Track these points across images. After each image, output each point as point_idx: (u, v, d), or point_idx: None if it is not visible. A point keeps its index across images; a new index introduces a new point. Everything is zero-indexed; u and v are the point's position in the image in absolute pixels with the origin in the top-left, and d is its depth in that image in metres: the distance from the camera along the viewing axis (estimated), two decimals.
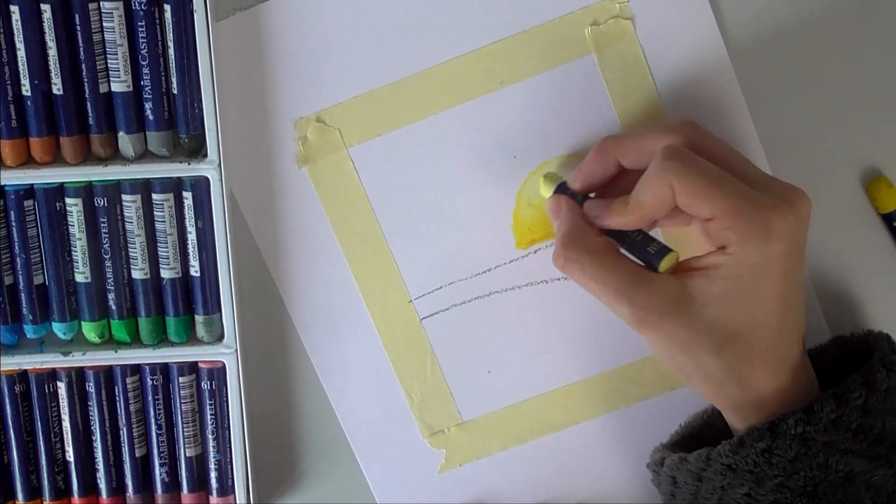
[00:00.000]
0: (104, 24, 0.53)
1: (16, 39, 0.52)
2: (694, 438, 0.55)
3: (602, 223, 0.51)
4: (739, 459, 0.48)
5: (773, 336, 0.48)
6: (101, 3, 0.52)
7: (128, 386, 0.56)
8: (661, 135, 0.50)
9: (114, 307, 0.56)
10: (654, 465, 0.53)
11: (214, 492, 0.57)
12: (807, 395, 0.49)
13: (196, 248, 0.55)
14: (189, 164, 0.54)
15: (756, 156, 0.55)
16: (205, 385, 0.56)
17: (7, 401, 0.56)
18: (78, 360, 0.56)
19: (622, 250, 0.51)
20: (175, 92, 0.54)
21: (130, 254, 0.55)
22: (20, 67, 0.53)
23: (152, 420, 0.57)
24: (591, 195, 0.53)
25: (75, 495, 0.57)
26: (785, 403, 0.49)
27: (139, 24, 0.53)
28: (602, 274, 0.49)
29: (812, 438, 0.47)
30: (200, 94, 0.53)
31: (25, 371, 0.56)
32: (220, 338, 0.56)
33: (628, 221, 0.50)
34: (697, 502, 0.50)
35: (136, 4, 0.52)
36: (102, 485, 0.57)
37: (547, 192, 0.53)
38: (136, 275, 0.55)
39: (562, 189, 0.53)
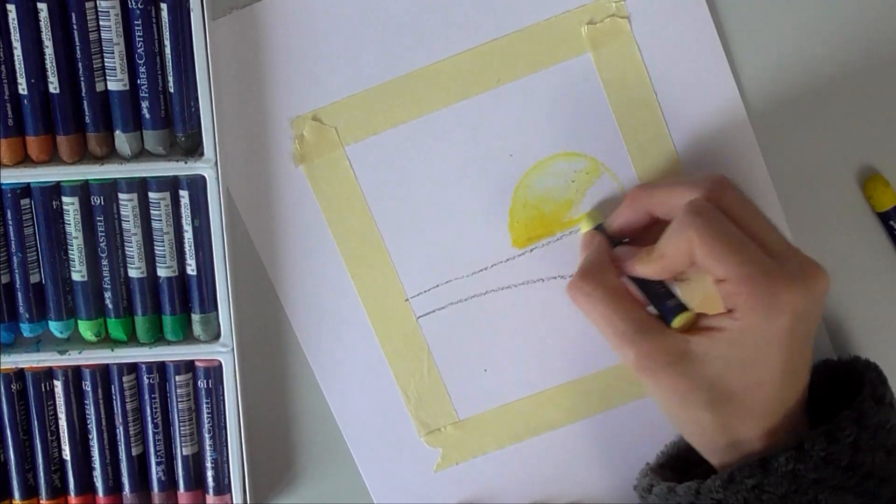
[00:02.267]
0: (101, 22, 0.53)
1: (12, 38, 0.52)
2: (681, 459, 0.54)
3: (627, 270, 0.52)
4: (730, 495, 0.48)
5: (769, 400, 0.49)
6: (97, 1, 0.52)
7: (124, 384, 0.56)
8: (689, 188, 0.50)
9: (110, 306, 0.56)
10: (641, 490, 0.53)
11: (211, 490, 0.57)
12: (795, 438, 0.49)
13: (192, 247, 0.55)
14: (185, 162, 0.54)
15: (753, 154, 0.55)
16: (201, 384, 0.56)
17: (3, 399, 0.56)
18: (74, 358, 0.56)
19: (641, 297, 0.51)
20: (171, 90, 0.54)
21: (127, 252, 0.55)
22: (17, 66, 0.53)
23: (149, 419, 0.57)
24: (626, 241, 0.53)
25: (72, 494, 0.57)
26: (772, 449, 0.49)
27: (136, 22, 0.53)
28: (611, 313, 0.50)
29: (802, 476, 0.47)
30: (197, 92, 0.53)
31: (22, 370, 0.56)
32: (217, 336, 0.56)
33: (650, 271, 0.50)
34: None
35: (133, 3, 0.52)
36: (99, 483, 0.57)
37: (586, 227, 0.55)
38: (133, 273, 0.55)
39: (600, 229, 0.54)
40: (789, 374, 0.48)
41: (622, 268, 0.52)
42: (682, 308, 0.50)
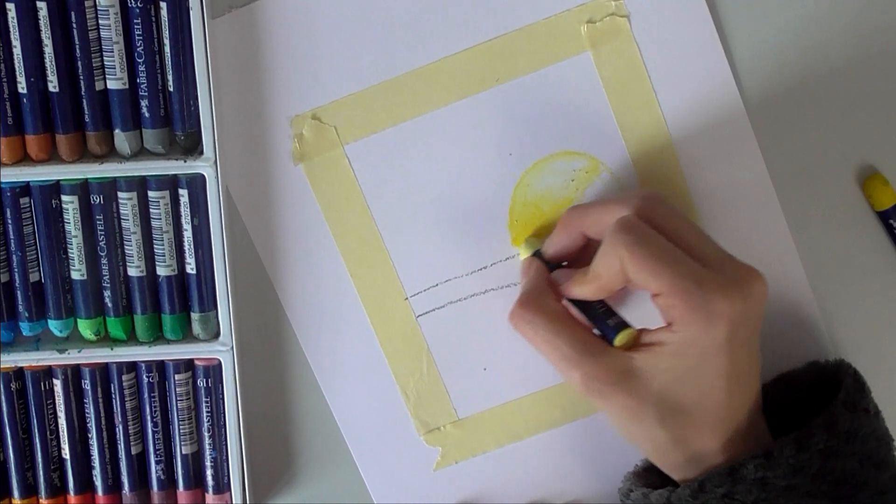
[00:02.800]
0: (100, 21, 0.53)
1: (12, 37, 0.52)
2: None
3: (564, 292, 0.52)
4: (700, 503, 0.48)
5: (719, 409, 0.48)
6: (96, 0, 0.52)
7: (124, 383, 0.56)
8: (619, 206, 0.50)
9: (110, 304, 0.56)
10: (622, 494, 0.53)
11: (210, 489, 0.57)
12: (759, 447, 0.49)
13: (192, 246, 0.55)
14: (185, 161, 0.54)
15: (752, 152, 0.56)
16: (201, 382, 0.56)
17: (3, 398, 0.56)
18: (74, 357, 0.56)
19: (583, 319, 0.52)
20: (171, 89, 0.54)
21: (126, 251, 0.55)
22: (16, 65, 0.53)
23: (148, 417, 0.57)
24: (565, 264, 0.53)
25: (71, 493, 0.57)
26: (738, 458, 0.49)
27: (135, 21, 0.53)
28: (553, 338, 0.50)
29: (772, 483, 0.47)
30: (196, 91, 0.53)
31: (21, 368, 0.56)
32: (216, 335, 0.56)
33: (587, 292, 0.51)
34: None
35: (132, 2, 0.52)
36: (98, 482, 0.57)
37: (524, 254, 0.55)
38: (132, 272, 0.55)
39: (538, 255, 0.54)
40: (735, 381, 0.48)
41: (561, 291, 0.52)
42: (623, 326, 0.50)
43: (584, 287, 0.50)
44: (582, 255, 0.53)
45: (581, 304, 0.52)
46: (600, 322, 0.51)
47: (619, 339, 0.50)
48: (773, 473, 0.47)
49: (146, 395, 0.57)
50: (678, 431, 0.49)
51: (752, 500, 0.47)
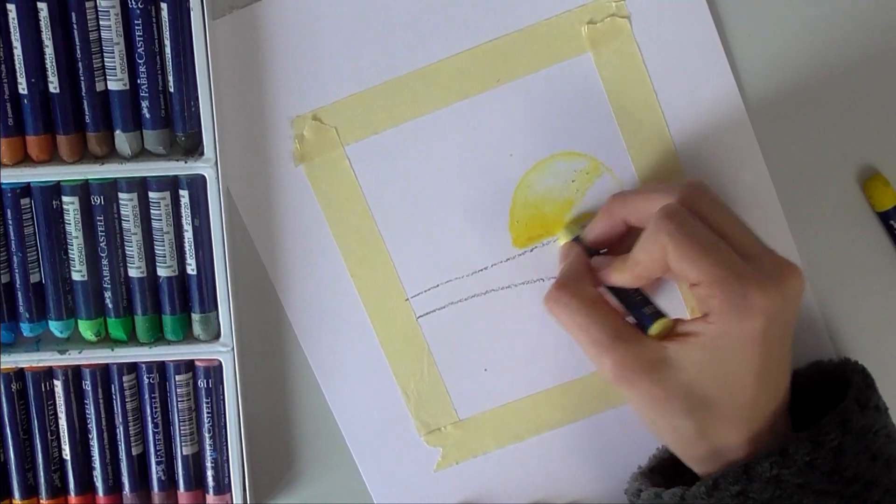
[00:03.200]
0: (101, 22, 0.53)
1: (12, 38, 0.52)
2: (671, 464, 0.54)
3: (603, 278, 0.52)
4: (714, 501, 0.48)
5: (747, 405, 0.48)
6: (97, 1, 0.52)
7: (124, 384, 0.56)
8: (663, 195, 0.50)
9: (110, 305, 0.56)
10: (631, 494, 0.53)
11: (211, 490, 0.57)
12: (779, 442, 0.49)
13: (193, 247, 0.55)
14: (186, 162, 0.54)
15: (752, 153, 0.56)
16: (201, 383, 0.56)
17: (3, 399, 0.56)
18: (74, 358, 0.56)
19: (619, 307, 0.51)
20: (172, 90, 0.54)
21: (127, 252, 0.55)
22: (17, 66, 0.53)
23: (149, 418, 0.57)
24: (604, 251, 0.53)
25: (72, 494, 0.57)
26: (755, 456, 0.49)
27: (136, 22, 0.53)
28: (588, 323, 0.50)
29: (786, 481, 0.47)
30: (197, 92, 0.53)
31: (22, 369, 0.56)
32: (217, 336, 0.56)
33: (626, 279, 0.51)
34: None
35: (133, 3, 0.52)
36: (99, 483, 0.57)
37: (563, 239, 0.55)
38: (133, 273, 0.55)
39: (577, 240, 0.54)
40: (766, 377, 0.48)
41: (599, 278, 0.52)
42: (658, 315, 0.50)
43: (624, 274, 0.50)
44: (622, 243, 0.53)
45: (618, 292, 0.52)
46: (637, 309, 0.51)
47: (656, 328, 0.49)
48: (788, 471, 0.47)
49: (147, 396, 0.57)
50: (704, 424, 0.48)
51: (766, 499, 0.47)
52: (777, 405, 0.49)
